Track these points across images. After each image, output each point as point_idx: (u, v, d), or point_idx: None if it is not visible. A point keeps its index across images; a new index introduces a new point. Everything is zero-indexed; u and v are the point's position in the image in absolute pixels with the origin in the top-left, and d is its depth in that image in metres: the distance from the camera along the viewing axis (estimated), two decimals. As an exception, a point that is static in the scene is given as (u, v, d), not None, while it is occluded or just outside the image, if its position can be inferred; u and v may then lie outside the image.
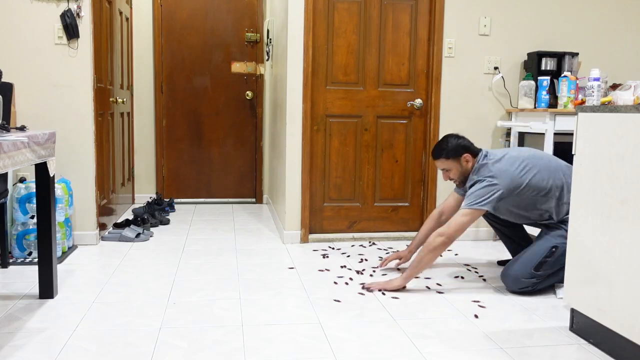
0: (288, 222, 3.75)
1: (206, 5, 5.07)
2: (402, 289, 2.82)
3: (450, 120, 3.84)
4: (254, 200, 5.31)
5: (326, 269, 3.17)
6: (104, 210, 3.82)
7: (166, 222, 4.27)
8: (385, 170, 3.89)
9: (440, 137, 3.84)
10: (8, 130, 2.28)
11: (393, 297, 2.71)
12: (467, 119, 3.86)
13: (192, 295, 2.68)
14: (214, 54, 5.11)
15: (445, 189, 3.89)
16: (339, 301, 2.65)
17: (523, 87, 3.76)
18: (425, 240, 2.91)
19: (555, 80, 3.73)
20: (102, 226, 3.75)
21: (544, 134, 3.50)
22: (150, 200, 4.73)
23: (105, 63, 3.82)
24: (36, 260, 3.11)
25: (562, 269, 2.63)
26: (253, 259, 3.34)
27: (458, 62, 3.81)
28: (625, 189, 2.00)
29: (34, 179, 2.57)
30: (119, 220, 4.31)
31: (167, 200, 4.97)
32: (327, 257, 3.44)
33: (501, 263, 3.33)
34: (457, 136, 2.89)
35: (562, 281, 2.63)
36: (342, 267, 3.22)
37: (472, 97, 3.86)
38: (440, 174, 3.87)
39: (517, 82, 3.89)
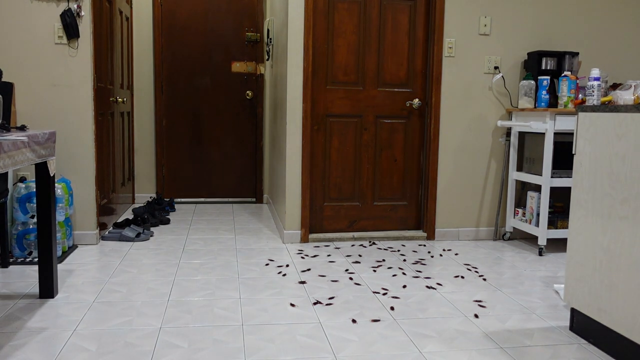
0: (288, 222, 3.75)
1: (206, 5, 5.07)
2: (404, 287, 2.81)
3: (450, 120, 3.84)
4: (254, 199, 5.31)
5: (326, 269, 3.17)
6: (104, 209, 3.82)
7: (166, 222, 4.27)
8: (384, 170, 3.89)
9: (440, 136, 3.85)
10: (8, 130, 2.28)
11: (393, 297, 2.71)
12: (467, 119, 3.86)
13: (192, 295, 2.68)
14: (214, 53, 5.11)
15: (444, 188, 3.89)
16: (339, 301, 2.65)
17: (523, 87, 3.76)
18: None
19: (555, 80, 3.74)
20: (102, 226, 3.75)
21: (544, 133, 3.50)
22: (150, 200, 4.73)
23: (105, 63, 3.82)
24: (36, 260, 3.11)
25: None
26: (253, 259, 3.34)
27: (458, 62, 3.81)
28: (625, 189, 2.00)
29: (34, 179, 2.56)
30: (119, 220, 4.31)
31: (167, 199, 4.97)
32: (327, 256, 3.44)
33: None
34: None
35: None
36: (342, 266, 3.22)
37: (472, 96, 3.86)
38: (440, 173, 3.87)
39: (517, 81, 3.89)
